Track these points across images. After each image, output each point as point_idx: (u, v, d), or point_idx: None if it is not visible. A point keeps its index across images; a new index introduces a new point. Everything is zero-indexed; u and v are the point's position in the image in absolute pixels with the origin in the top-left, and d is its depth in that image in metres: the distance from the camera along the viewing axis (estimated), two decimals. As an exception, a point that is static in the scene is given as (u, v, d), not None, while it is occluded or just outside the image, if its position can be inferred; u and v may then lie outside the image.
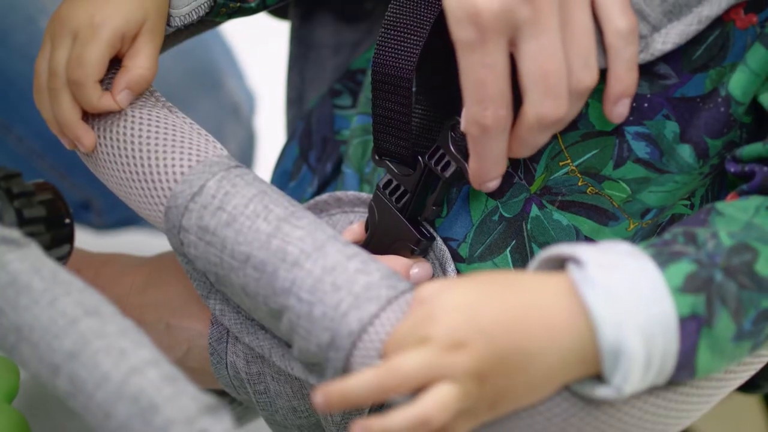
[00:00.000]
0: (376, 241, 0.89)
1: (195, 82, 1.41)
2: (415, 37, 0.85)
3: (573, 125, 0.84)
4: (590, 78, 0.78)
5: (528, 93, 0.77)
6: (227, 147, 1.37)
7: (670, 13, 0.81)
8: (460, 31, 0.75)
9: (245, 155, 1.50)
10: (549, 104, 0.77)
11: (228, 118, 1.46)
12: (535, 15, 0.75)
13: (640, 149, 0.84)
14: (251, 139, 1.52)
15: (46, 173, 1.35)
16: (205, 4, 0.90)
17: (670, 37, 0.81)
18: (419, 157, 0.88)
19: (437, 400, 0.71)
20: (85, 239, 1.34)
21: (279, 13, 1.11)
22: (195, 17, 0.90)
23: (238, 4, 0.93)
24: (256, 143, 1.54)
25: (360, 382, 0.71)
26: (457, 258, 0.89)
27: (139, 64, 0.85)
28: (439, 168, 0.86)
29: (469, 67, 0.76)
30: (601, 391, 0.74)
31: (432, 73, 0.88)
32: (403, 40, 0.85)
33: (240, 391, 0.93)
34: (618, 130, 0.84)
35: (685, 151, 0.84)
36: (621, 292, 0.72)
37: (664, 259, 0.74)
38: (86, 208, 1.41)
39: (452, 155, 0.86)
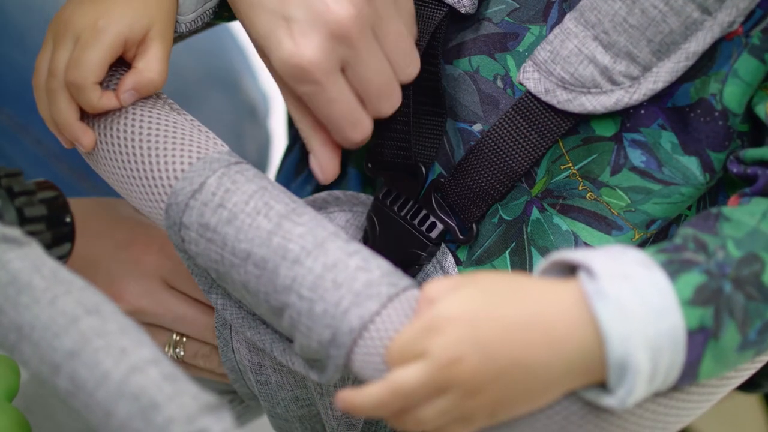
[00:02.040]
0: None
1: (212, 83, 1.40)
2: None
3: (574, 130, 0.85)
4: (415, 69, 0.88)
5: (367, 101, 0.87)
6: (247, 149, 1.37)
7: (658, 52, 0.81)
8: (300, 88, 0.85)
9: (263, 157, 1.49)
10: (385, 104, 0.87)
11: (246, 120, 1.45)
12: (353, 46, 0.84)
13: (636, 157, 0.84)
14: (268, 140, 1.51)
15: (64, 175, 1.34)
16: (210, 11, 0.90)
17: (660, 76, 0.82)
18: (420, 165, 0.88)
19: (417, 420, 0.72)
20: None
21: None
22: (200, 23, 0.90)
23: None
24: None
25: (368, 398, 0.72)
26: (455, 261, 0.89)
27: (151, 67, 0.84)
28: (424, 228, 0.88)
29: (320, 108, 0.86)
30: (605, 401, 0.74)
31: (424, 80, 0.89)
32: None
33: (245, 377, 0.93)
34: (617, 136, 0.85)
35: (693, 164, 0.84)
36: (631, 306, 0.72)
37: (675, 268, 0.73)
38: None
39: (437, 216, 0.87)
